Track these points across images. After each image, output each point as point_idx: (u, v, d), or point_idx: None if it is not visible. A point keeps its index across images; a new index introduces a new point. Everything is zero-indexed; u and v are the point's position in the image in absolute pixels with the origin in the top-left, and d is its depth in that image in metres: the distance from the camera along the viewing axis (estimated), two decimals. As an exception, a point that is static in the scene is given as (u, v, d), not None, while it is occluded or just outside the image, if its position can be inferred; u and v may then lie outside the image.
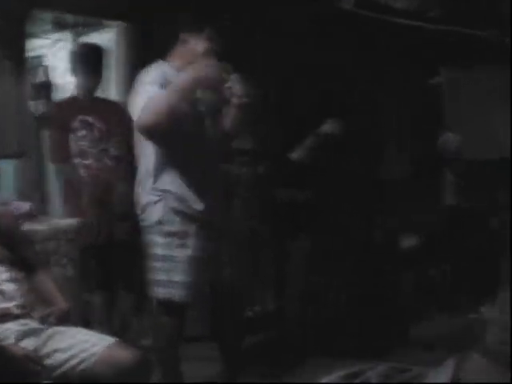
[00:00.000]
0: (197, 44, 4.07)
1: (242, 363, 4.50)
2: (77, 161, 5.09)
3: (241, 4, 5.54)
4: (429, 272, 6.41)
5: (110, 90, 5.93)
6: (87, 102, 5.24)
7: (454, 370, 2.23)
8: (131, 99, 4.03)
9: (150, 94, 3.83)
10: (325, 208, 5.30)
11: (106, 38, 5.94)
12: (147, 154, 4.08)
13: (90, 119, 5.14)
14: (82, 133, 5.10)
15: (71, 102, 5.27)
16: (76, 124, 5.10)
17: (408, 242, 6.31)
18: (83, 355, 3.00)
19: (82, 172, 5.10)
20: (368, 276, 5.74)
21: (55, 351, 3.05)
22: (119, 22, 5.71)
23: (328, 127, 5.67)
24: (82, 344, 3.05)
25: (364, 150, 6.02)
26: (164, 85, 3.90)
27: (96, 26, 5.99)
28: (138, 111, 3.86)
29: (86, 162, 5.11)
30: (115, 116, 5.27)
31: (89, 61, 5.22)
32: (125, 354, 3.05)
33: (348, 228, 5.63)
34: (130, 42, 5.69)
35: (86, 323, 3.97)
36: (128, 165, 5.21)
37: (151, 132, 3.87)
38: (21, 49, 5.08)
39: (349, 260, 5.64)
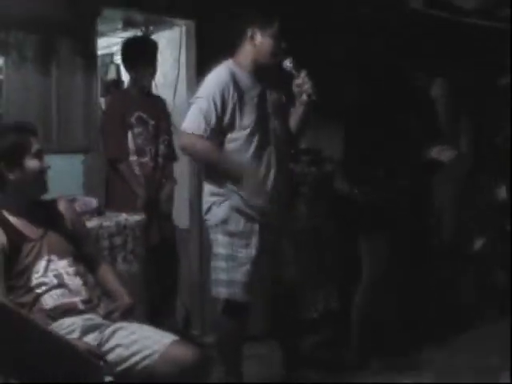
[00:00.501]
0: (264, 41, 4.07)
1: (303, 363, 4.48)
2: (134, 158, 5.11)
3: (306, 2, 5.51)
4: (492, 274, 6.30)
5: (181, 87, 5.94)
6: (141, 98, 5.28)
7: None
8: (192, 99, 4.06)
9: (197, 125, 3.97)
10: (388, 208, 5.24)
11: (175, 36, 5.97)
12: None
13: (144, 116, 5.20)
14: (139, 130, 5.15)
15: (127, 97, 5.30)
16: (133, 120, 5.14)
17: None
18: (145, 352, 3.01)
19: (137, 170, 5.12)
20: (431, 277, 5.69)
21: (118, 347, 3.07)
22: (188, 21, 5.71)
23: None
24: (144, 341, 3.06)
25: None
26: (230, 99, 3.91)
27: (166, 24, 6.02)
28: (189, 123, 3.95)
29: (143, 159, 5.16)
30: (163, 113, 5.35)
31: (142, 55, 5.27)
32: (186, 352, 3.04)
33: (412, 228, 5.57)
34: (199, 40, 5.69)
35: (150, 320, 3.97)
36: (173, 164, 5.26)
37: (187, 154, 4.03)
38: (92, 46, 5.13)
39: (413, 261, 5.58)
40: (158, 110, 5.36)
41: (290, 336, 4.46)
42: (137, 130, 5.16)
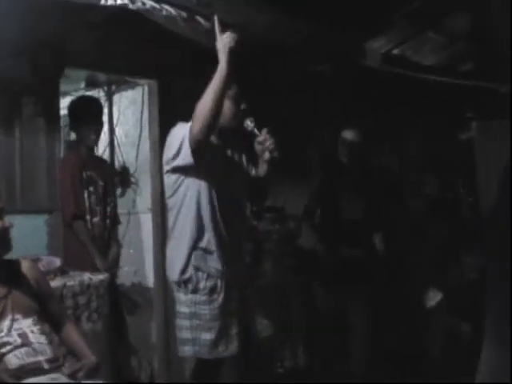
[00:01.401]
0: (224, 104, 4.10)
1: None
2: (87, 217, 5.10)
3: (264, 63, 5.60)
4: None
5: (144, 146, 5.97)
6: (89, 158, 5.25)
7: None
8: (168, 150, 4.04)
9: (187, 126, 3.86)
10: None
11: (138, 95, 6.02)
12: (174, 213, 4.11)
13: (94, 175, 5.17)
14: (91, 189, 5.12)
15: (78, 157, 5.22)
16: (85, 179, 5.12)
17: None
18: (110, 410, 3.00)
19: (91, 229, 5.11)
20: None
21: (83, 405, 3.05)
22: (150, 80, 5.77)
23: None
24: (110, 398, 3.05)
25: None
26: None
27: (128, 84, 6.07)
28: (188, 136, 3.85)
29: (94, 219, 5.13)
30: (110, 175, 5.39)
31: (86, 114, 5.22)
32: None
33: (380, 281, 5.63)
34: (161, 100, 5.74)
35: (115, 378, 3.94)
36: (117, 227, 5.25)
37: (206, 142, 3.85)
38: (55, 106, 5.13)
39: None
40: (105, 170, 5.36)
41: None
42: (89, 189, 5.13)
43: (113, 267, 5.22)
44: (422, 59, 6.56)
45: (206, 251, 3.99)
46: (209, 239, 4.00)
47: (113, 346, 4.57)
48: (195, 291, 4.01)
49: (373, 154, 6.67)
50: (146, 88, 5.90)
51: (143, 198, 5.81)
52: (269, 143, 4.03)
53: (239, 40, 3.85)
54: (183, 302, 4.04)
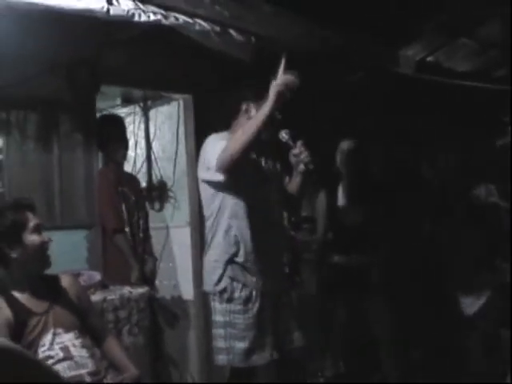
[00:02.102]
0: None
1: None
2: (127, 229, 5.18)
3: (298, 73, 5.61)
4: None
5: (181, 160, 6.01)
6: (121, 174, 5.35)
7: None
8: (203, 161, 4.08)
9: (223, 144, 3.88)
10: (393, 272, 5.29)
11: (173, 110, 6.06)
12: (209, 224, 4.13)
13: (126, 191, 5.25)
14: (125, 204, 5.20)
15: (113, 172, 5.31)
16: (121, 194, 5.21)
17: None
18: (152, 421, 3.02)
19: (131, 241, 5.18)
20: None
21: (125, 418, 3.08)
22: (185, 95, 5.80)
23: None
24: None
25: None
26: None
27: (163, 99, 6.11)
28: (215, 160, 3.87)
29: (128, 231, 5.19)
30: (140, 190, 5.46)
31: (122, 132, 5.35)
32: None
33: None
34: (197, 114, 5.77)
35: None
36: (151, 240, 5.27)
37: (232, 171, 3.87)
38: (92, 122, 5.18)
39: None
40: (135, 186, 5.45)
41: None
42: (124, 203, 5.22)
43: (150, 280, 5.26)
44: (456, 66, 6.55)
45: (242, 265, 4.01)
46: (245, 253, 4.02)
47: (154, 359, 4.59)
48: (230, 301, 4.03)
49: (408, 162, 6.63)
50: (182, 102, 5.94)
51: (181, 211, 5.84)
52: (304, 156, 4.03)
53: (295, 87, 3.87)
54: (218, 311, 4.07)
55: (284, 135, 4.10)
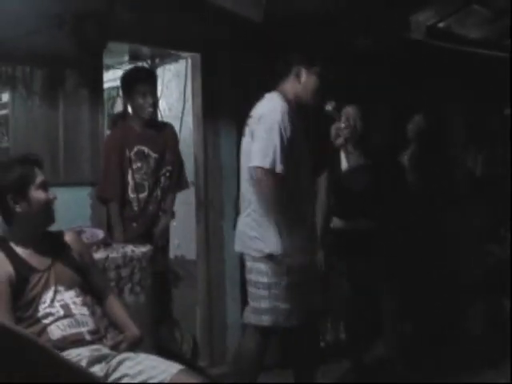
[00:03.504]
0: (309, 79, 4.12)
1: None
2: (133, 195, 5.11)
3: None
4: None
5: (187, 119, 5.99)
6: (143, 131, 5.18)
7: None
8: (248, 140, 4.09)
9: (271, 163, 3.95)
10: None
11: (181, 68, 6.01)
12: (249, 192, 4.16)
13: (145, 150, 5.13)
14: (138, 165, 5.10)
15: (127, 132, 5.21)
16: (132, 155, 5.09)
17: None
18: (151, 382, 3.01)
19: (135, 206, 5.13)
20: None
21: (124, 377, 3.06)
22: (194, 53, 5.75)
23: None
24: (151, 370, 3.05)
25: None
26: (286, 130, 3.99)
27: (171, 57, 6.07)
28: (265, 158, 3.95)
29: (141, 195, 5.13)
30: (168, 142, 5.25)
31: (140, 85, 5.15)
32: (193, 382, 3.04)
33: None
34: (205, 72, 5.72)
35: (157, 351, 3.96)
36: (173, 196, 5.23)
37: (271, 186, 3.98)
38: (98, 79, 5.15)
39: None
40: (162, 140, 5.24)
41: (307, 365, 4.47)
42: (136, 165, 5.10)
43: (160, 238, 5.24)
44: (468, 33, 6.48)
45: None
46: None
47: (155, 319, 4.59)
48: (277, 263, 4.05)
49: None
50: (190, 61, 5.88)
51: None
52: (346, 132, 4.06)
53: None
54: (264, 272, 4.07)
55: (330, 106, 4.11)
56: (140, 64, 6.15)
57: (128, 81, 5.22)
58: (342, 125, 4.09)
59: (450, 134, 6.90)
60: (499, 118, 7.41)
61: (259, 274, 4.14)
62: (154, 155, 5.15)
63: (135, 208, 5.13)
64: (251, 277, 4.19)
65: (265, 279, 4.11)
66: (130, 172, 5.09)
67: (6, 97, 4.80)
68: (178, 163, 5.32)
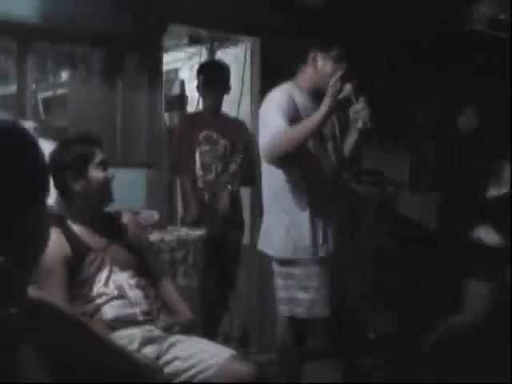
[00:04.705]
0: (325, 64, 4.03)
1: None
2: (200, 174, 5.16)
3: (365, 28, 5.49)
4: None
5: (244, 103, 5.97)
6: (212, 118, 5.33)
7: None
8: (259, 124, 4.04)
9: (277, 127, 3.82)
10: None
11: (240, 52, 6.00)
12: (270, 180, 4.09)
13: (214, 135, 5.25)
14: (206, 148, 5.20)
15: (197, 116, 5.48)
16: (200, 138, 5.21)
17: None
18: (202, 365, 3.01)
19: (202, 184, 5.17)
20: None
21: (176, 359, 3.08)
22: (253, 38, 5.73)
23: None
24: (202, 354, 3.06)
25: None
26: (291, 112, 3.88)
27: (230, 41, 6.06)
28: (265, 143, 3.87)
29: (208, 176, 5.19)
30: (238, 134, 5.37)
31: (215, 78, 5.37)
32: (243, 368, 3.03)
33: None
34: (263, 57, 5.70)
35: (210, 334, 3.96)
36: (241, 181, 5.25)
37: (279, 164, 3.90)
38: (158, 61, 5.16)
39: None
40: (232, 129, 5.38)
41: (350, 355, 4.41)
42: (204, 147, 5.22)
43: (222, 220, 5.26)
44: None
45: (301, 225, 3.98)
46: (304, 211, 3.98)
47: (208, 303, 4.59)
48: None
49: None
50: (249, 45, 5.87)
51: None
52: (364, 113, 3.94)
53: (349, 94, 3.85)
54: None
55: (348, 88, 3.99)
56: (198, 47, 6.18)
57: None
58: (359, 106, 3.92)
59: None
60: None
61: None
62: (222, 141, 5.29)
63: (201, 185, 5.22)
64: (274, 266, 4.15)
65: (282, 268, 4.05)
66: (198, 152, 5.21)
67: (65, 76, 4.82)
68: (249, 156, 5.35)
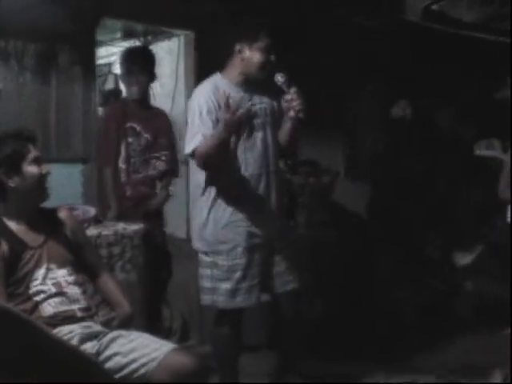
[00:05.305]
0: (252, 54, 4.06)
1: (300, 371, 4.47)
2: (123, 166, 5.09)
3: (295, 15, 5.54)
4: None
5: (179, 97, 5.96)
6: (137, 109, 5.19)
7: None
8: (187, 121, 4.07)
9: (201, 132, 3.90)
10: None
11: (174, 46, 5.98)
12: (195, 173, 4.14)
13: (137, 127, 5.13)
14: (129, 140, 5.09)
15: (123, 107, 5.23)
16: (125, 130, 5.09)
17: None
18: (143, 360, 3.01)
19: (123, 177, 5.10)
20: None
21: (116, 354, 3.07)
22: (187, 31, 5.73)
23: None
24: (143, 349, 3.06)
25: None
26: (216, 109, 3.94)
27: (165, 34, 6.03)
28: (190, 150, 3.95)
29: (131, 169, 5.11)
30: (164, 127, 5.29)
31: (138, 64, 5.17)
32: (184, 360, 3.04)
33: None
34: (198, 51, 5.70)
35: (150, 328, 3.96)
36: (168, 178, 5.22)
37: (205, 169, 3.98)
38: (91, 56, 5.13)
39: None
40: (155, 124, 5.26)
41: (288, 346, 4.45)
42: (128, 140, 5.09)
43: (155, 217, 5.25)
44: (461, 15, 6.47)
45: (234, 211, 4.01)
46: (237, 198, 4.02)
47: (146, 297, 4.58)
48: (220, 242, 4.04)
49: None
50: (183, 38, 5.86)
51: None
52: (295, 103, 3.97)
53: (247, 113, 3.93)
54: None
55: (279, 78, 4.03)
56: (132, 41, 6.14)
57: (126, 60, 5.24)
58: (289, 96, 3.97)
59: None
60: (490, 101, 7.41)
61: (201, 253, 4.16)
62: (145, 135, 5.16)
63: (123, 178, 5.11)
64: (198, 256, 4.20)
65: (206, 258, 4.12)
66: (123, 144, 5.08)
67: (-3, 71, 4.77)
68: (173, 150, 5.33)
